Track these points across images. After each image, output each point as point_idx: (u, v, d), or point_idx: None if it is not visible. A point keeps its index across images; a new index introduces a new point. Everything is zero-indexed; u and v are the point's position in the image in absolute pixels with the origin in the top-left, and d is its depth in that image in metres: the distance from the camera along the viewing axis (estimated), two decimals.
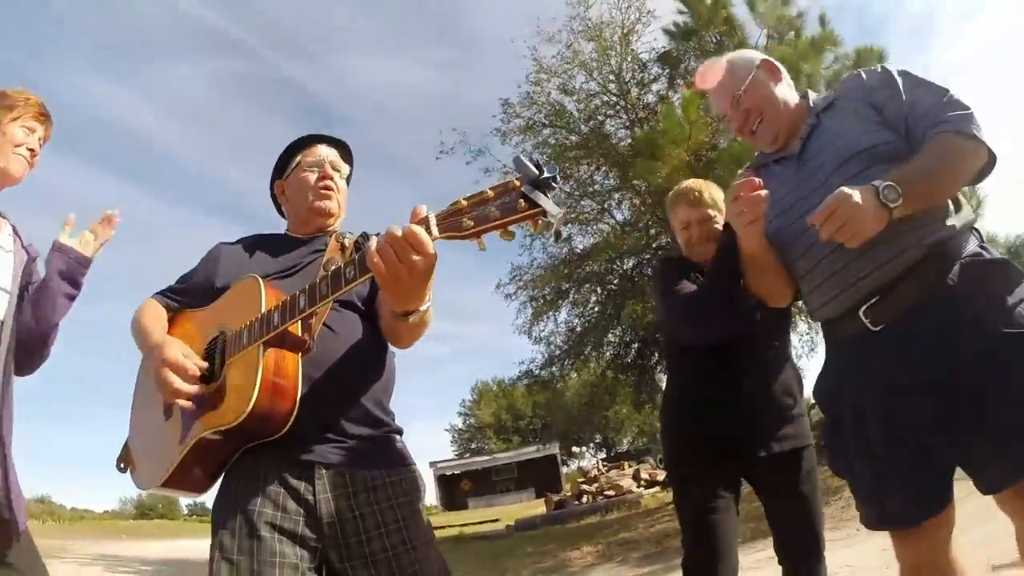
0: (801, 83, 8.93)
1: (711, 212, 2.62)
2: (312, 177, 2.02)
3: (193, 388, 1.61)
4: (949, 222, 1.72)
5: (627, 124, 14.21)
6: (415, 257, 1.35)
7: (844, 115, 1.91)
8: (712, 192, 2.66)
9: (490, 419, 45.98)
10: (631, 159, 11.45)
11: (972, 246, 1.72)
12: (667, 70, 13.60)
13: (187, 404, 1.62)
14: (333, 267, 1.58)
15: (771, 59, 2.11)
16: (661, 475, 16.21)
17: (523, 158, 1.29)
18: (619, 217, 14.86)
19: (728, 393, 2.48)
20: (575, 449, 30.77)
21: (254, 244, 2.04)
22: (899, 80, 1.84)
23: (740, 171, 2.31)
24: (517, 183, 1.28)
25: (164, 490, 1.79)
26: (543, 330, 15.40)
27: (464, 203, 1.33)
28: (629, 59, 14.21)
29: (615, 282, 14.80)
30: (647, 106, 14.03)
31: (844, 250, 1.69)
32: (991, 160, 1.73)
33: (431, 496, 40.47)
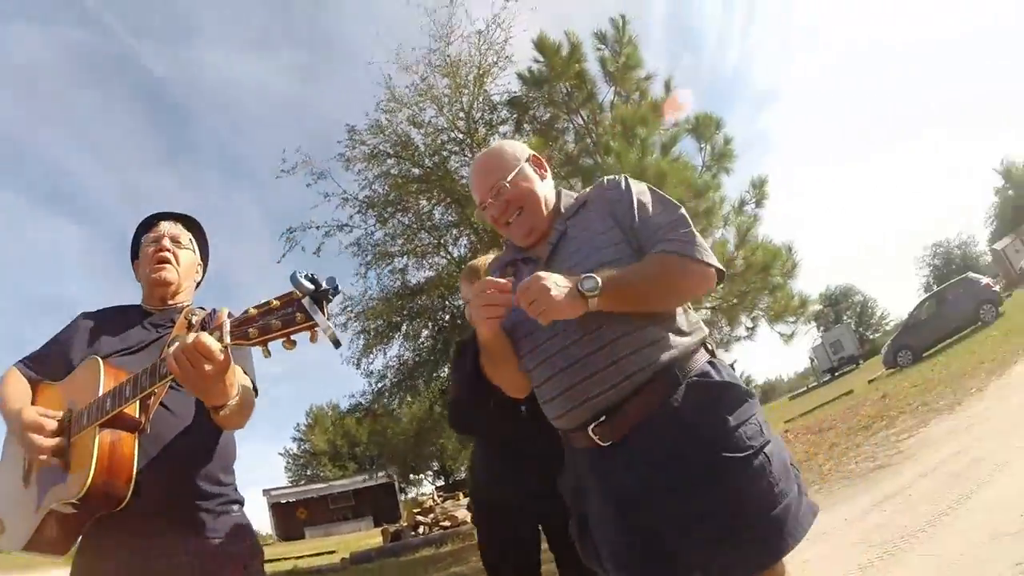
0: (635, 146, 9.23)
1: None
2: (151, 251, 2.22)
3: (53, 441, 1.79)
4: (678, 340, 1.79)
5: (471, 162, 14.11)
6: (206, 365, 1.53)
7: (588, 225, 1.97)
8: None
9: (325, 446, 44.82)
10: (470, 198, 11.31)
11: (700, 364, 1.80)
12: (515, 115, 13.72)
13: (47, 460, 1.79)
14: (158, 359, 1.71)
15: (539, 155, 2.16)
16: None
17: (299, 276, 1.43)
18: (455, 253, 14.83)
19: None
20: (412, 476, 30.49)
21: (109, 318, 2.20)
22: (635, 197, 1.94)
23: (487, 261, 2.40)
24: (297, 295, 1.42)
25: (28, 552, 1.86)
26: (372, 362, 15.18)
27: (254, 311, 1.50)
28: (481, 99, 14.30)
29: (447, 318, 14.78)
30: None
31: (575, 369, 1.79)
32: (719, 276, 1.86)
33: (266, 525, 38.87)
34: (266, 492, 38.39)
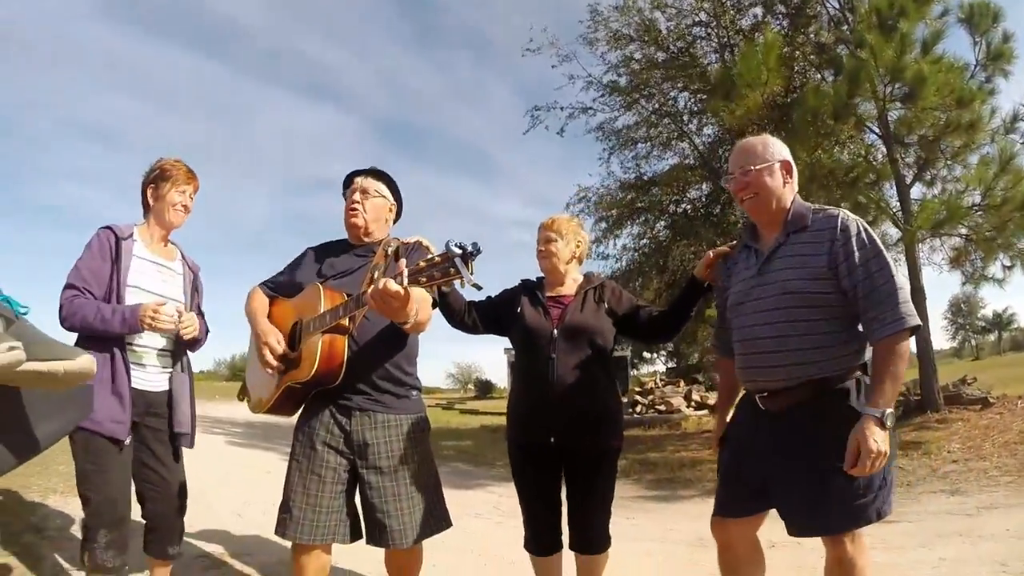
0: (893, 40, 8.55)
1: (551, 235, 3.14)
2: (346, 203, 2.87)
3: (275, 363, 2.62)
4: (839, 359, 2.21)
5: (717, 48, 13.84)
6: (392, 301, 2.11)
7: (803, 250, 2.28)
8: (560, 224, 3.17)
9: None
10: (716, 86, 11.16)
11: (847, 383, 2.21)
12: None
13: (272, 369, 2.63)
14: (363, 285, 2.55)
15: (791, 161, 2.43)
16: (712, 398, 16.34)
17: (451, 244, 1.98)
18: (698, 141, 14.67)
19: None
20: (646, 355, 30.87)
21: (325, 251, 2.92)
22: (854, 249, 2.18)
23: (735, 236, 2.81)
24: (452, 253, 1.98)
25: (267, 414, 2.79)
26: (608, 248, 15.52)
27: (423, 264, 2.04)
28: None
29: (679, 211, 14.83)
30: (740, 30, 13.57)
31: (752, 356, 2.35)
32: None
33: (503, 379, 42.29)
34: (507, 351, 41.09)
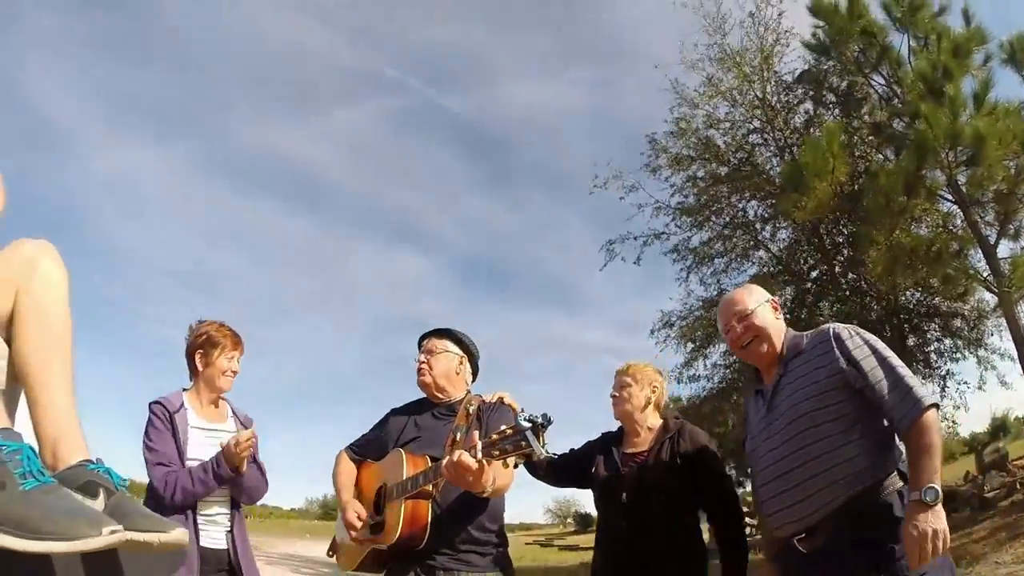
0: (944, 104, 8.66)
1: (626, 380, 3.12)
2: (416, 365, 2.97)
3: (358, 535, 2.71)
4: (868, 470, 2.14)
5: (776, 151, 14.19)
6: (467, 475, 2.21)
7: (803, 369, 2.34)
8: (636, 370, 3.14)
9: None
10: (783, 186, 11.28)
11: (887, 494, 2.13)
12: (811, 90, 13.49)
13: (357, 538, 2.72)
14: (446, 447, 2.64)
15: (774, 299, 2.58)
16: None
17: (520, 417, 2.13)
18: (773, 248, 14.76)
19: None
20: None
21: (406, 412, 3.00)
22: (850, 351, 2.24)
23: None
24: (523, 427, 2.11)
25: (355, 571, 2.83)
26: (698, 368, 15.31)
27: (496, 436, 2.16)
28: (772, 83, 14.16)
29: None
30: (795, 129, 13.96)
31: (775, 499, 2.29)
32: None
33: None
34: None
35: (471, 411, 2.80)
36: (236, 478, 2.87)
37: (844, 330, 2.31)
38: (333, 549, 3.09)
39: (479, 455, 2.19)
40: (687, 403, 17.01)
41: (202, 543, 2.83)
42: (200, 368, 3.09)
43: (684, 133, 14.49)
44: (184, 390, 3.11)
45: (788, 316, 13.64)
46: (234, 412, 3.23)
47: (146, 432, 2.93)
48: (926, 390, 2.11)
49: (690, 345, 15.18)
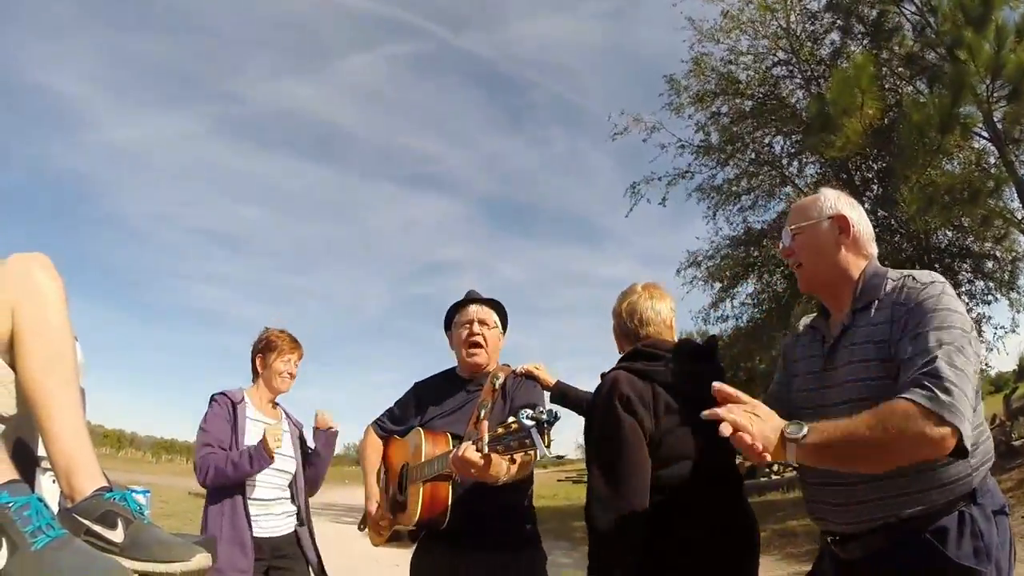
0: (986, 33, 8.19)
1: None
2: (463, 333, 2.75)
3: (380, 519, 2.73)
4: (927, 496, 1.63)
5: (803, 83, 13.65)
6: (471, 469, 2.14)
7: (869, 332, 1.75)
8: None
9: None
10: (809, 122, 10.78)
11: (944, 522, 1.61)
12: (838, 19, 12.85)
13: (380, 523, 2.73)
14: (470, 424, 2.53)
15: (848, 216, 1.90)
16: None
17: (524, 417, 1.99)
18: (801, 183, 14.22)
19: None
20: None
21: (431, 387, 2.89)
22: (910, 316, 1.66)
23: (804, 320, 2.19)
24: (527, 424, 1.99)
25: (385, 545, 2.83)
26: (726, 308, 15.15)
27: (501, 431, 2.05)
28: (796, 11, 13.53)
29: None
30: (822, 60, 13.38)
31: (815, 488, 1.85)
32: (958, 449, 1.48)
33: None
34: None
35: (497, 385, 2.66)
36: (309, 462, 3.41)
37: (936, 286, 1.68)
38: (364, 523, 3.08)
39: (485, 449, 2.10)
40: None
41: (256, 533, 3.03)
42: (260, 369, 3.37)
43: (703, 71, 13.97)
44: (244, 389, 3.36)
45: None
46: (287, 415, 3.50)
47: (204, 416, 3.19)
48: (960, 416, 1.44)
49: (717, 285, 14.97)
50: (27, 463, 1.54)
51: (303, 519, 3.33)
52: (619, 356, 2.35)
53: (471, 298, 2.84)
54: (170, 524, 3.76)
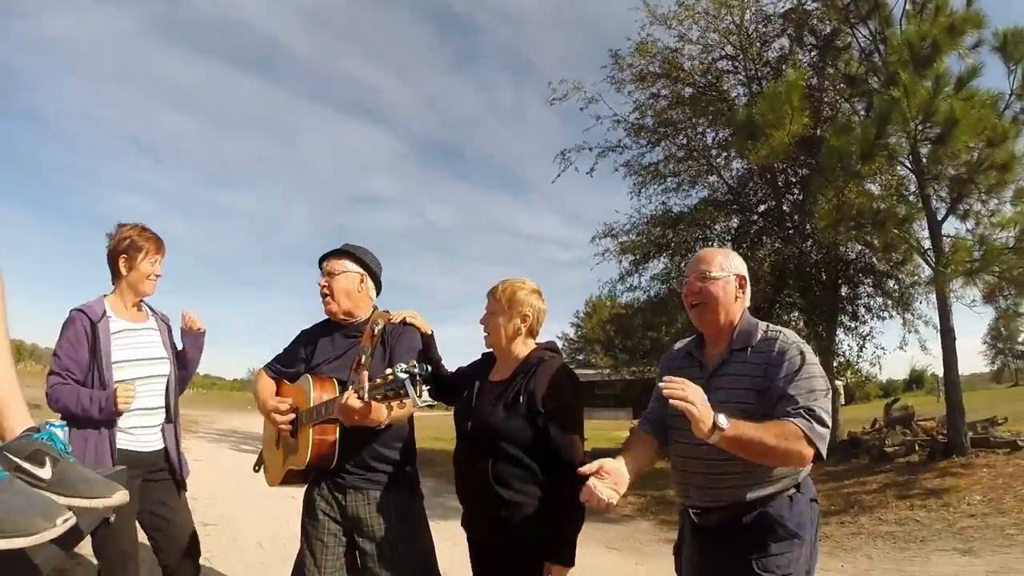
0: (926, 77, 8.36)
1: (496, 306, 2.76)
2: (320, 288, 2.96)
3: (286, 419, 2.85)
4: (769, 487, 2.17)
5: (745, 81, 13.78)
6: (353, 416, 2.40)
7: (742, 368, 2.24)
8: (509, 295, 2.72)
9: (600, 334, 46.41)
10: (744, 123, 10.63)
11: (777, 502, 2.18)
12: (791, 28, 12.98)
13: (285, 429, 2.87)
14: (351, 370, 2.79)
15: (746, 276, 2.40)
16: None
17: (398, 369, 2.23)
18: (726, 176, 14.62)
19: None
20: None
21: (319, 333, 3.05)
22: (784, 363, 2.14)
23: (679, 345, 2.64)
24: (401, 377, 2.22)
25: (280, 485, 3.04)
26: (630, 283, 15.49)
27: (380, 381, 2.28)
28: (753, 10, 13.61)
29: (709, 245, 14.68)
30: (768, 62, 13.51)
31: (685, 474, 2.32)
32: (816, 456, 2.05)
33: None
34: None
35: (376, 331, 2.86)
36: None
37: (794, 347, 2.18)
38: (260, 463, 3.28)
39: (366, 397, 2.33)
40: (624, 310, 17.84)
41: (130, 447, 3.04)
42: (124, 272, 3.20)
43: (647, 52, 13.99)
44: (105, 295, 3.23)
45: (731, 244, 13.88)
46: (152, 311, 3.40)
47: (59, 338, 3.05)
48: (823, 442, 2.04)
49: (630, 258, 15.16)
50: None
51: (172, 417, 3.29)
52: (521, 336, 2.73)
53: (324, 254, 3.03)
54: None
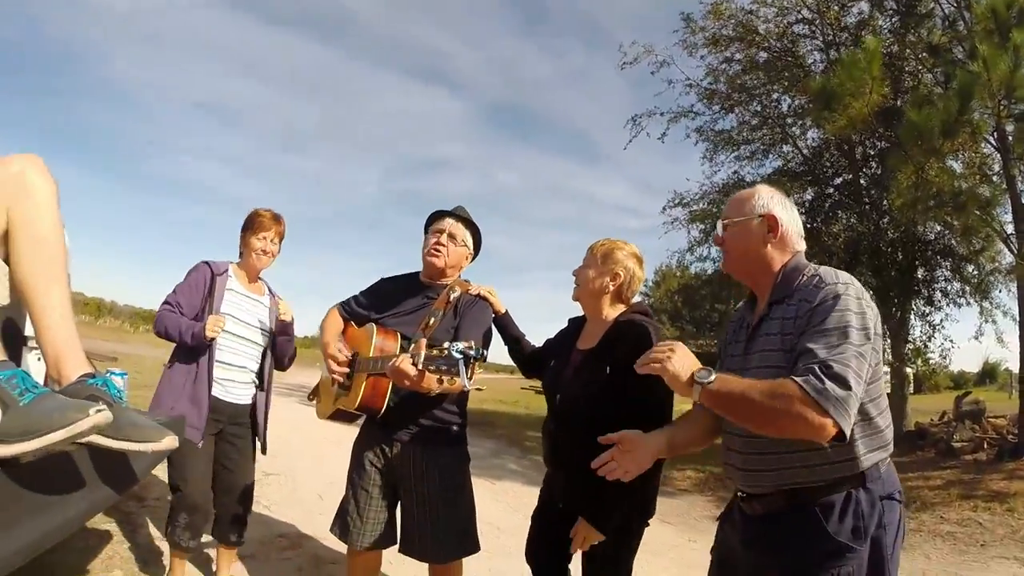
0: (1008, 51, 7.81)
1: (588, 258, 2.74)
2: (432, 240, 2.98)
3: (341, 370, 2.89)
4: (820, 471, 1.76)
5: (822, 46, 13.21)
6: (404, 380, 2.42)
7: (779, 325, 1.85)
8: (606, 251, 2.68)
9: (668, 304, 45.83)
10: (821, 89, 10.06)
11: (831, 498, 1.75)
12: None
13: (338, 377, 2.90)
14: (419, 327, 2.79)
15: (778, 216, 1.98)
16: None
17: (454, 351, 2.20)
18: (801, 146, 14.10)
19: None
20: None
21: (398, 285, 3.10)
22: (813, 313, 1.74)
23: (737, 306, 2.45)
24: (456, 358, 2.20)
25: (330, 420, 3.12)
26: (700, 252, 15.23)
27: (436, 353, 2.25)
28: None
29: None
30: (846, 27, 12.91)
31: (729, 453, 2.01)
32: (839, 435, 1.61)
33: None
34: None
35: (452, 297, 2.88)
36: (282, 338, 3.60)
37: (843, 287, 1.76)
38: (315, 394, 3.37)
39: (420, 364, 2.31)
40: (693, 280, 17.77)
41: (218, 395, 3.29)
42: (242, 248, 3.54)
43: (721, 15, 13.50)
44: (231, 263, 3.56)
45: (805, 218, 12.96)
46: (271, 291, 3.68)
47: (183, 280, 3.38)
48: (842, 411, 1.57)
49: (700, 227, 14.86)
50: (15, 342, 1.80)
51: (264, 386, 3.57)
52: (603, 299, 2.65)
53: (453, 212, 3.04)
54: (144, 394, 3.89)
